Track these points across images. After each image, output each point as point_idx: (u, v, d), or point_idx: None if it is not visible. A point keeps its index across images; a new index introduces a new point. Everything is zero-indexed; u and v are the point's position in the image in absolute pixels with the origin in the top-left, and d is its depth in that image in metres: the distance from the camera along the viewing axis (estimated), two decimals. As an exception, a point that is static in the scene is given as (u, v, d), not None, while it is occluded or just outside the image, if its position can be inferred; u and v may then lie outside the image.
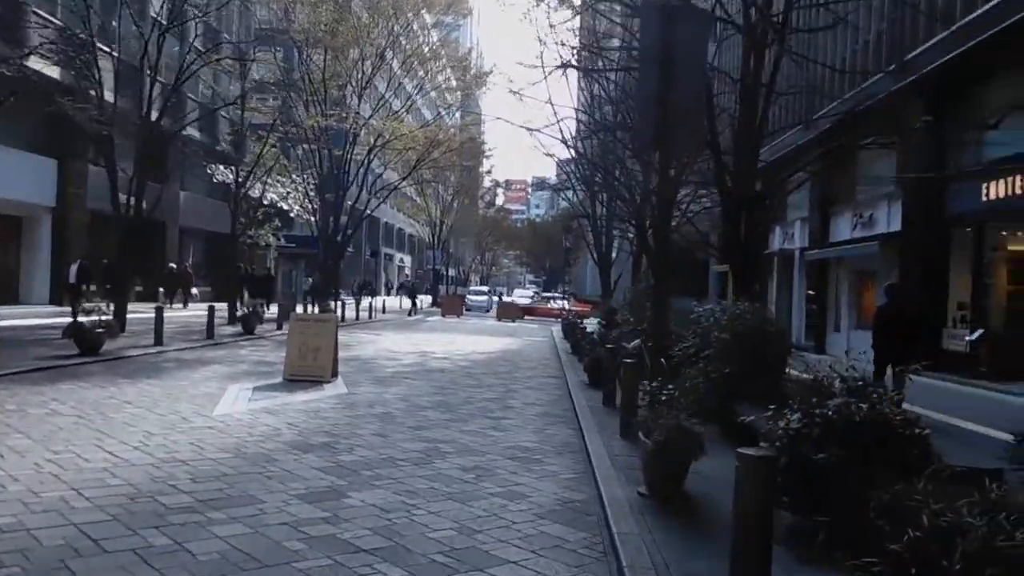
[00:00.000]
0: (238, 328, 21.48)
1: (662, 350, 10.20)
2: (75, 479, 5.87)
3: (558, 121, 31.00)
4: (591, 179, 29.15)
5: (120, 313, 18.40)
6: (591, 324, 24.20)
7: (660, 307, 10.45)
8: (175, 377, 12.01)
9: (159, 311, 16.84)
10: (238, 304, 31.43)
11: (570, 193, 35.51)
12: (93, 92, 18.31)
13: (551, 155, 38.33)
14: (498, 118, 70.27)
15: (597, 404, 11.33)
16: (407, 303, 44.14)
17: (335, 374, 12.66)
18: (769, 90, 11.17)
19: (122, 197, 18.59)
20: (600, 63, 22.57)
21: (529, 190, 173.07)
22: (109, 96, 18.84)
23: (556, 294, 52.72)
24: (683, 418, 5.90)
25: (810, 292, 24.94)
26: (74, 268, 20.56)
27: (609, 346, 11.95)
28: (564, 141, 28.49)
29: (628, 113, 18.86)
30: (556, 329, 34.35)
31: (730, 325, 9.04)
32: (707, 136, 10.26)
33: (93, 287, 20.46)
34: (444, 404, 10.90)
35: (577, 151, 28.37)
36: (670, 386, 7.45)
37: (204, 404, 9.57)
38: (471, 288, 68.07)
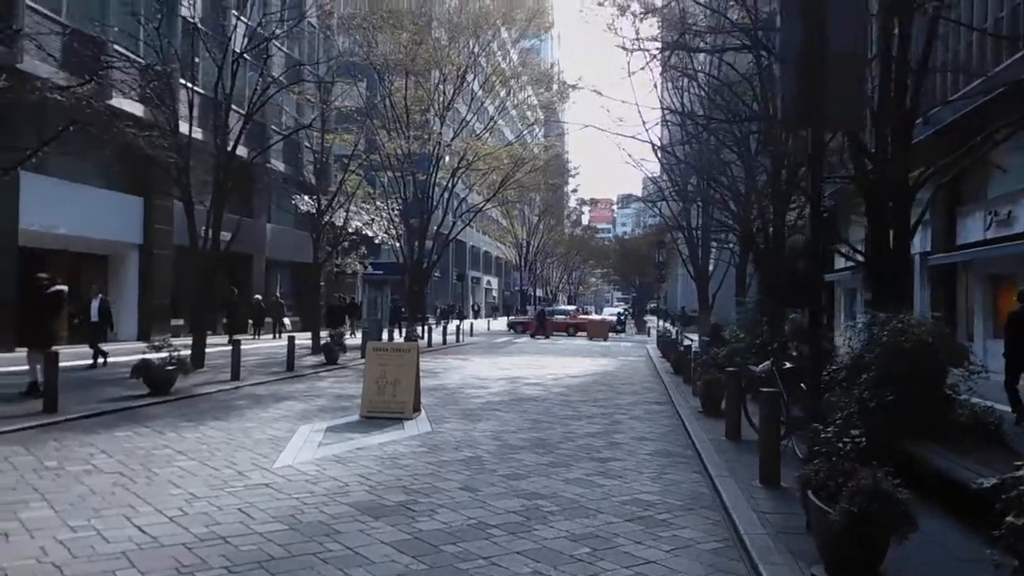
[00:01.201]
0: (321, 358, 20.55)
1: (799, 374, 8.48)
2: (80, 573, 4.61)
3: (646, 128, 29.26)
4: (685, 187, 27.45)
5: (199, 348, 17.68)
6: (689, 341, 22.36)
7: (811, 324, 8.74)
8: (243, 417, 10.90)
9: (235, 344, 15.94)
10: (255, 332, 31.31)
11: (662, 206, 33.81)
12: (168, 125, 17.76)
13: (640, 162, 36.47)
14: (585, 126, 69.04)
15: (718, 437, 9.65)
16: (496, 325, 43.04)
17: (417, 408, 11.34)
18: (925, 60, 9.39)
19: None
20: (691, 59, 20.94)
21: (615, 208, 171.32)
22: (186, 129, 18.29)
23: (567, 307, 50.52)
24: (881, 479, 4.24)
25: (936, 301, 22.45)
26: (95, 304, 17.92)
27: (730, 368, 10.21)
28: (655, 146, 26.93)
29: (727, 104, 17.15)
30: (651, 348, 32.52)
31: (894, 341, 7.25)
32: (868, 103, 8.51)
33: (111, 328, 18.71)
34: (540, 443, 9.40)
35: (670, 155, 26.71)
36: (828, 422, 5.80)
37: (267, 452, 8.34)
38: (555, 308, 66.16)
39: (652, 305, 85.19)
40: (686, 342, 22.44)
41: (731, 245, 26.71)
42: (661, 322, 50.17)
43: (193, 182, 17.99)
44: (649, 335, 46.73)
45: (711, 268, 30.74)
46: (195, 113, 18.67)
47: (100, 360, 17.22)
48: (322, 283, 37.58)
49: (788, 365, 9.01)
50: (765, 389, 7.52)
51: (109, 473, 7.14)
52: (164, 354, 13.45)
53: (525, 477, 7.45)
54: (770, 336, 13.22)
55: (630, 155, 63.02)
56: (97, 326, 17.69)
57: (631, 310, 74.19)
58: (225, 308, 30.66)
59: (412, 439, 9.40)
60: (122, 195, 25.48)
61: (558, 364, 22.46)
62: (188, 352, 15.93)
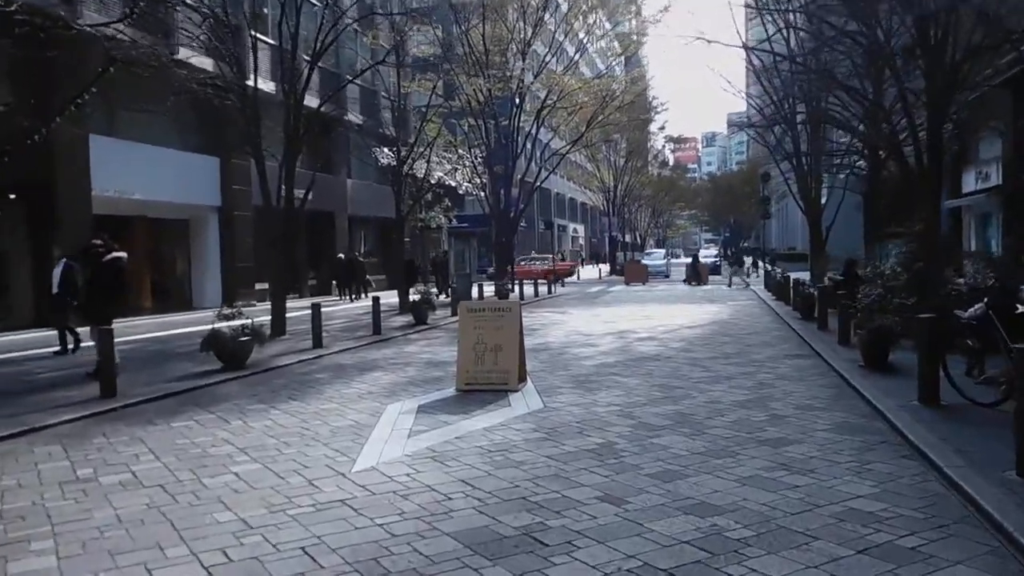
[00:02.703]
0: (409, 318, 19.06)
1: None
2: None
3: (745, 45, 26.29)
4: (794, 108, 24.64)
5: (279, 313, 16.38)
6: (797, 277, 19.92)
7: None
8: (322, 396, 9.36)
9: (316, 308, 14.48)
10: (340, 292, 30.10)
11: (764, 134, 30.86)
12: (235, 77, 16.24)
13: (737, 91, 33.47)
14: (674, 41, 65.08)
15: (908, 402, 7.56)
16: (587, 274, 40.88)
17: (523, 378, 9.56)
18: None
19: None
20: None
21: (699, 148, 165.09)
22: (259, 83, 16.81)
23: (540, 256, 45.89)
24: None
25: None
26: (57, 272, 13.40)
27: (922, 315, 7.94)
28: (753, 60, 24.08)
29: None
30: (759, 288, 30.02)
31: None
32: None
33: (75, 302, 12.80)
34: (683, 419, 7.50)
35: (774, 71, 23.92)
36: None
37: (347, 446, 6.70)
38: (646, 252, 63.15)
39: (745, 245, 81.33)
40: (811, 283, 20.05)
41: (851, 171, 23.86)
42: (759, 264, 47.02)
43: (265, 137, 16.63)
44: (748, 276, 43.85)
45: (823, 201, 27.75)
46: (264, 65, 17.22)
47: (70, 345, 13.59)
48: (407, 239, 36.36)
49: (1022, 309, 6.82)
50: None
51: (148, 487, 5.61)
52: (237, 323, 12.08)
53: (682, 476, 5.58)
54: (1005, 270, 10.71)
55: (729, 81, 57.41)
56: (60, 299, 13.24)
57: (727, 252, 70.72)
58: (331, 270, 29.85)
59: (523, 420, 7.62)
60: (197, 155, 24.43)
61: (664, 313, 20.39)
62: (267, 319, 14.70)
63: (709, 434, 6.84)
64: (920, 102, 13.72)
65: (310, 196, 17.60)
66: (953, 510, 4.74)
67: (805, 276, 23.80)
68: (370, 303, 17.53)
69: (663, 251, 60.77)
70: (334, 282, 30.94)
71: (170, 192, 23.02)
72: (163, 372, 11.23)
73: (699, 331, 15.96)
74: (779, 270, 30.10)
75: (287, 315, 16.75)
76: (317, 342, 14.19)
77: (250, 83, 16.61)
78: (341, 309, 23.24)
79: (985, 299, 7.49)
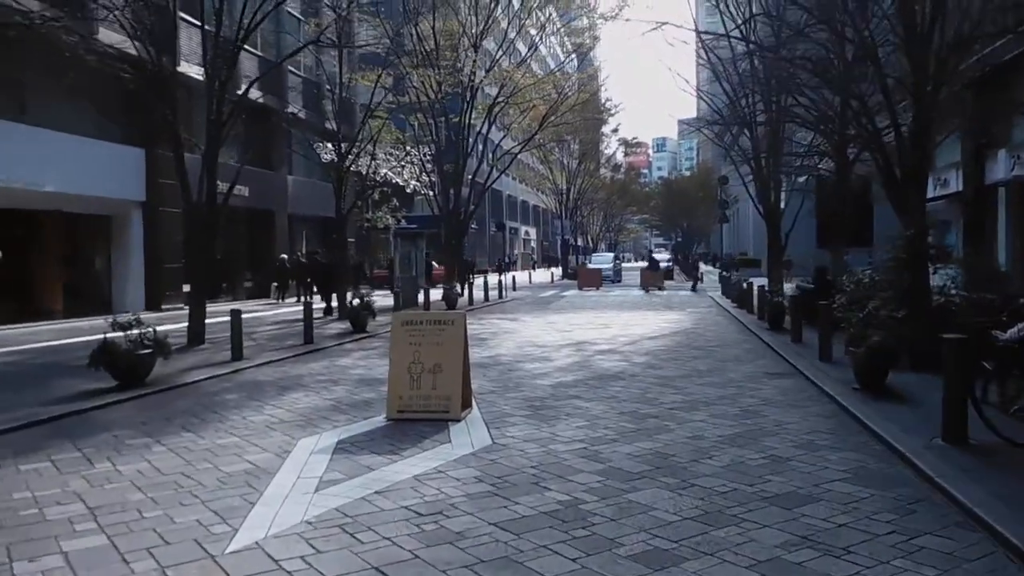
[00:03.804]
0: (347, 325, 17.39)
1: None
2: None
3: (702, 41, 25.21)
4: (754, 107, 23.63)
5: (197, 320, 14.63)
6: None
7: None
8: (225, 425, 7.72)
9: (236, 315, 12.75)
10: (279, 295, 28.02)
11: (722, 137, 29.85)
12: (154, 57, 14.37)
13: (695, 88, 32.67)
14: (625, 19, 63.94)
15: (928, 437, 6.30)
16: (538, 277, 39.45)
17: (468, 403, 8.04)
18: None
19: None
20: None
21: (650, 153, 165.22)
22: (186, 68, 15.01)
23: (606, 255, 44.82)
24: None
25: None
26: None
27: (949, 335, 6.56)
28: (732, 53, 22.93)
29: None
30: (716, 295, 28.98)
31: None
32: None
33: None
34: (663, 462, 6.07)
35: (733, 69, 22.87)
36: None
37: (233, 505, 5.12)
38: (593, 255, 60.52)
39: (700, 250, 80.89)
40: (781, 289, 18.91)
41: (815, 174, 22.83)
42: (710, 268, 46.08)
43: (196, 128, 14.87)
44: (702, 281, 42.95)
45: (782, 205, 26.73)
46: (193, 49, 15.36)
47: None
48: (351, 239, 34.51)
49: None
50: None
51: (-71, 579, 3.98)
52: (136, 332, 10.34)
53: (676, 559, 4.13)
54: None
55: (687, 80, 55.48)
56: None
57: (678, 257, 69.98)
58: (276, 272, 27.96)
59: (465, 463, 6.11)
60: (120, 146, 22.39)
61: (622, 322, 19.06)
62: (171, 330, 12.96)
63: (700, 487, 5.42)
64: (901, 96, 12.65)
65: (245, 192, 15.86)
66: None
67: (760, 282, 22.69)
68: (316, 306, 15.83)
69: (611, 255, 57.80)
70: (274, 285, 29.03)
71: (88, 185, 20.95)
72: (44, 391, 9.49)
73: (663, 342, 14.63)
74: (736, 276, 29.05)
75: (209, 321, 15.03)
76: (236, 354, 12.49)
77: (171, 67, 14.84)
78: (275, 314, 21.41)
79: (1029, 318, 6.25)
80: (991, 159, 20.09)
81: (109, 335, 10.05)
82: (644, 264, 40.52)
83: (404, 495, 5.29)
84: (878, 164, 13.01)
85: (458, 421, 7.53)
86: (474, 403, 8.34)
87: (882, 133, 13.07)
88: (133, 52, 14.35)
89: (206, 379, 10.72)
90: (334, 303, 21.33)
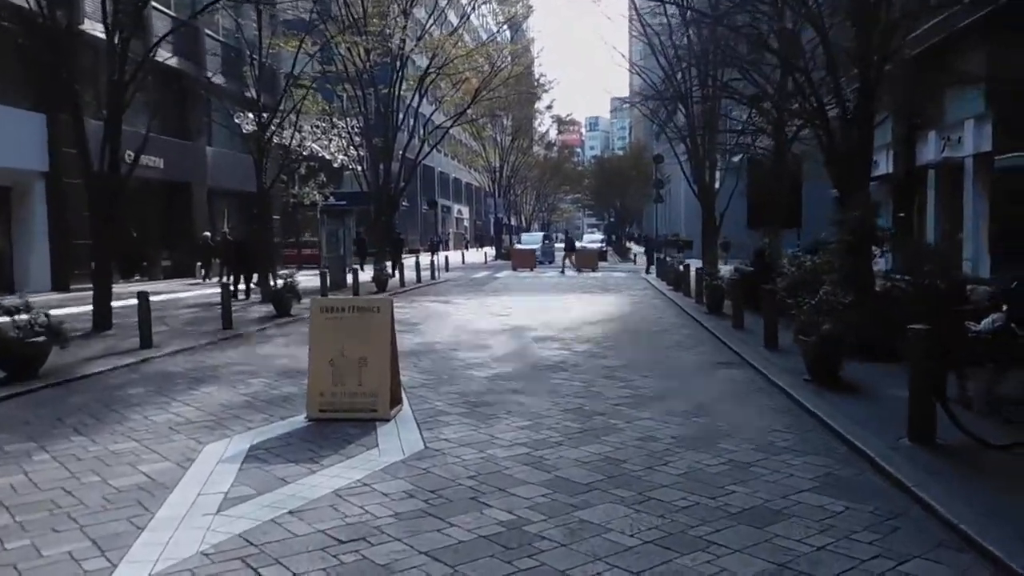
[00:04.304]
0: (270, 308, 16.40)
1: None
2: None
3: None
4: (687, 82, 23.35)
5: (102, 302, 13.50)
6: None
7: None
8: (123, 426, 6.85)
9: (143, 298, 11.70)
10: (203, 275, 26.63)
11: (657, 113, 29.50)
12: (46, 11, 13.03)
13: (632, 64, 32.27)
14: None
15: (885, 431, 5.90)
16: (471, 258, 38.72)
17: (397, 399, 7.33)
18: None
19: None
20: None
21: (583, 131, 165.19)
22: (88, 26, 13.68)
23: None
24: None
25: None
26: None
27: (913, 325, 6.12)
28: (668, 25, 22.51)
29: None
30: (651, 277, 28.78)
31: None
32: None
33: None
34: (615, 469, 5.49)
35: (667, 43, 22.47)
36: None
37: (117, 531, 4.33)
38: (520, 235, 57.95)
39: (635, 232, 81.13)
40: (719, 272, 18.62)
41: (751, 152, 22.55)
42: (642, 250, 45.76)
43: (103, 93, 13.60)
44: (635, 263, 42.97)
45: (717, 187, 26.50)
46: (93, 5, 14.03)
47: None
48: (276, 216, 33.13)
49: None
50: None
51: None
52: (25, 318, 9.29)
53: (642, 599, 3.55)
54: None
55: (623, 55, 54.38)
56: None
57: (611, 238, 70.02)
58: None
59: (394, 474, 5.41)
60: (16, 111, 20.70)
61: (559, 305, 18.52)
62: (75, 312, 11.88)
63: (658, 500, 4.85)
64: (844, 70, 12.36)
65: (160, 164, 14.67)
66: None
67: (693, 264, 22.43)
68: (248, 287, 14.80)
69: (541, 234, 54.76)
70: (198, 263, 27.59)
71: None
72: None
73: (602, 328, 14.12)
74: (672, 258, 28.84)
75: (121, 304, 13.93)
76: (145, 341, 11.47)
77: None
78: (197, 295, 20.20)
79: (1005, 307, 5.86)
80: (921, 141, 20.20)
81: (-2, 320, 9.01)
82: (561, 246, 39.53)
83: (322, 516, 4.57)
84: (821, 141, 12.69)
85: (387, 421, 6.82)
86: (404, 398, 7.63)
87: (826, 108, 12.73)
88: (24, 3, 12.98)
89: (109, 370, 9.75)
90: (249, 284, 20.13)
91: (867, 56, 11.36)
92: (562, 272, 33.68)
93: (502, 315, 16.11)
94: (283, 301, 15.98)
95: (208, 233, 27.84)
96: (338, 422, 6.75)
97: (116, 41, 13.28)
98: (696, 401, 7.78)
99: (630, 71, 33.45)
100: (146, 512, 4.64)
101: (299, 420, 6.95)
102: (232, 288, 19.84)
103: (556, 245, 48.99)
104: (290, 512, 4.62)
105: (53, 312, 9.78)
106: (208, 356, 11.03)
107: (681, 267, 22.10)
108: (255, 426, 6.80)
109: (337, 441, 6.21)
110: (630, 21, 26.62)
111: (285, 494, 4.95)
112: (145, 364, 10.31)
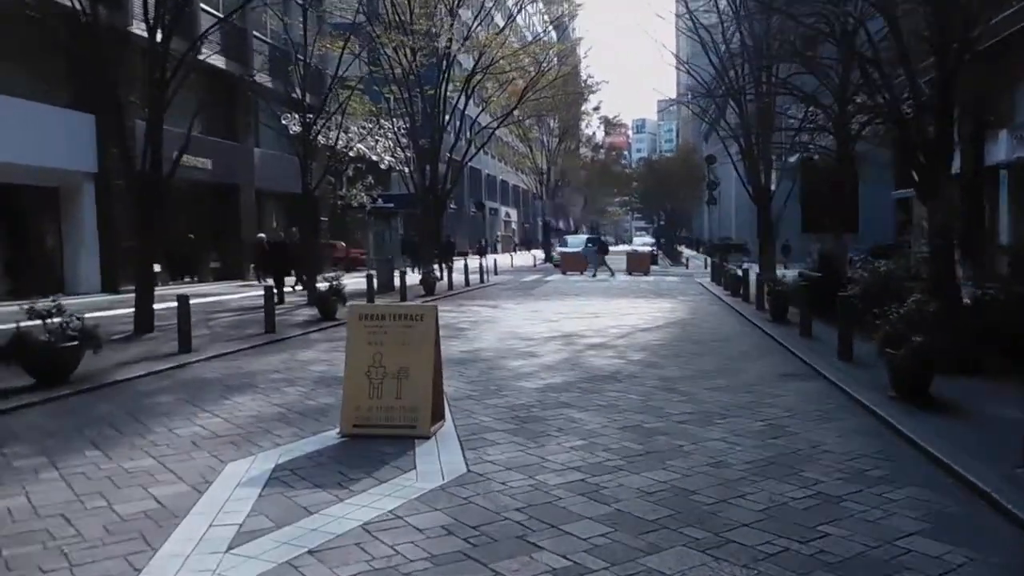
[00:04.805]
0: (315, 311, 15.97)
1: None
2: None
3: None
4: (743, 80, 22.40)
5: (144, 305, 13.16)
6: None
7: None
8: (144, 439, 6.34)
9: (183, 301, 11.30)
10: (257, 276, 25.88)
11: (709, 112, 28.48)
12: (81, 10, 12.76)
13: (683, 61, 31.31)
14: None
15: (998, 460, 5.09)
16: (520, 261, 37.86)
17: (439, 416, 6.70)
18: None
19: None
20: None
21: (629, 134, 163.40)
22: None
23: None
24: None
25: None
26: None
27: None
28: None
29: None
30: (705, 281, 27.78)
31: None
32: None
33: None
34: (684, 504, 4.77)
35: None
36: None
37: (108, 575, 3.77)
38: (564, 239, 54.98)
39: (683, 235, 79.51)
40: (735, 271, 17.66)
41: (809, 152, 21.43)
42: (694, 253, 44.44)
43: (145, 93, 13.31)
44: (687, 267, 41.83)
45: (772, 188, 25.34)
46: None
47: None
48: (324, 217, 32.92)
49: None
50: None
51: None
52: (57, 321, 8.90)
53: None
54: None
55: (674, 54, 52.44)
56: None
57: (660, 241, 68.54)
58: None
59: (432, 503, 4.77)
60: (66, 111, 20.73)
61: (612, 310, 17.76)
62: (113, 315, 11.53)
63: (738, 544, 4.12)
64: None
65: (208, 165, 14.37)
66: None
67: (749, 269, 21.42)
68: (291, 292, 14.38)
69: (584, 238, 51.32)
70: (252, 265, 27.35)
71: (28, 154, 19.32)
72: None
73: (659, 335, 13.35)
74: (731, 263, 27.72)
75: (166, 306, 13.59)
76: (184, 345, 11.08)
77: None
78: (241, 298, 19.92)
79: None
80: (991, 140, 18.96)
81: (23, 324, 8.63)
82: (594, 248, 37.22)
83: (345, 556, 3.95)
84: (896, 140, 11.77)
85: (427, 438, 6.19)
86: (447, 413, 7.01)
87: (901, 102, 11.77)
88: (67, 3, 12.72)
89: (144, 376, 9.34)
90: (282, 287, 19.39)
91: (946, 44, 10.43)
92: (593, 275, 32.73)
93: (552, 321, 15.42)
94: (328, 304, 15.53)
95: (263, 235, 27.53)
96: (373, 439, 6.15)
97: (158, 39, 12.96)
98: (769, 419, 7.00)
99: (679, 68, 32.43)
100: (147, 549, 4.06)
101: (331, 436, 6.36)
102: (277, 291, 19.33)
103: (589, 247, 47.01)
104: (310, 551, 4.01)
105: (99, 314, 9.45)
106: (246, 362, 10.56)
107: (739, 271, 21.15)
108: (284, 442, 6.23)
109: (371, 462, 5.59)
110: (677, 16, 25.70)
111: (307, 528, 4.34)
112: (180, 370, 9.87)
